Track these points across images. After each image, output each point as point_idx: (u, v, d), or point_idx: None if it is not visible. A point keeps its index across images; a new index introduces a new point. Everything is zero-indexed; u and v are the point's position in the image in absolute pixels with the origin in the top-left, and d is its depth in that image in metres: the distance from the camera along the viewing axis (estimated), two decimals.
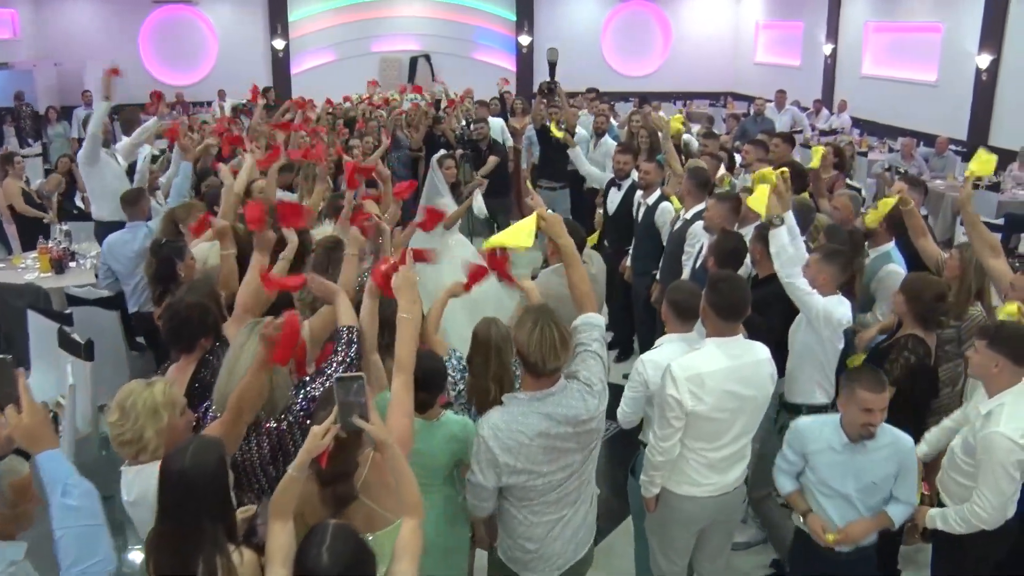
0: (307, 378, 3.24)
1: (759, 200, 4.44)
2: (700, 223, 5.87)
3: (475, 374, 3.86)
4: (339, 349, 3.25)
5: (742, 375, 3.64)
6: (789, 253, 4.30)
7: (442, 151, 7.72)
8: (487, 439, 3.10)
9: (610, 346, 7.97)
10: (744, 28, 22.45)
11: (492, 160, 9.86)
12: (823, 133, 15.71)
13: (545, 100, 10.57)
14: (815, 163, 6.23)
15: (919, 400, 4.39)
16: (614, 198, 7.64)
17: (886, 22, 16.64)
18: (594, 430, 3.22)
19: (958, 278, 4.70)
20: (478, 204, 7.25)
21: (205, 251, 4.85)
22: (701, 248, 5.76)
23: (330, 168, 7.95)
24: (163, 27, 20.33)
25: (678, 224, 6.38)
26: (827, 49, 18.24)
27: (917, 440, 4.42)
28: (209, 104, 18.51)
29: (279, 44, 20.39)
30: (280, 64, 20.57)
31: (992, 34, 13.43)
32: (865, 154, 13.69)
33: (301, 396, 3.16)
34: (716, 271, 3.96)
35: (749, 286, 3.95)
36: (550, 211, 3.53)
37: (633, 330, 7.79)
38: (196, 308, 3.70)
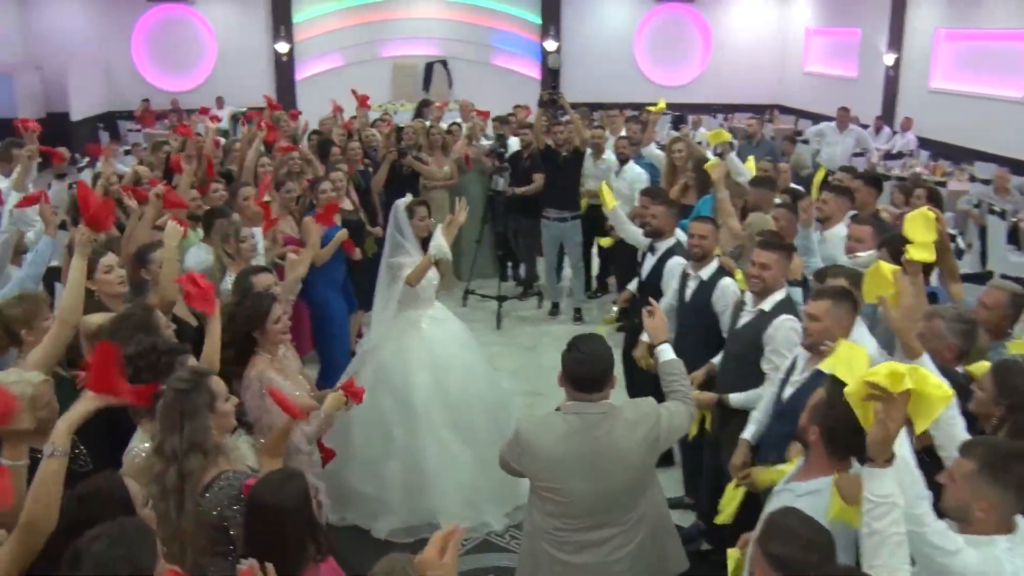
0: None
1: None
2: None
3: None
4: None
5: None
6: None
7: (409, 196, 5.68)
8: None
9: None
10: (792, 34, 20.40)
11: (538, 178, 8.66)
12: (887, 156, 13.77)
13: (547, 115, 8.86)
14: None
15: None
16: (648, 264, 5.79)
17: (961, 29, 14.61)
18: None
19: None
20: (436, 243, 5.23)
21: None
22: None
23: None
24: (158, 28, 18.88)
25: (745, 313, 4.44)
26: (889, 59, 16.26)
27: None
28: (205, 111, 16.95)
29: (283, 48, 18.74)
30: (283, 69, 18.93)
31: None
32: (943, 184, 11.60)
33: None
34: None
35: None
36: None
37: None
38: None
